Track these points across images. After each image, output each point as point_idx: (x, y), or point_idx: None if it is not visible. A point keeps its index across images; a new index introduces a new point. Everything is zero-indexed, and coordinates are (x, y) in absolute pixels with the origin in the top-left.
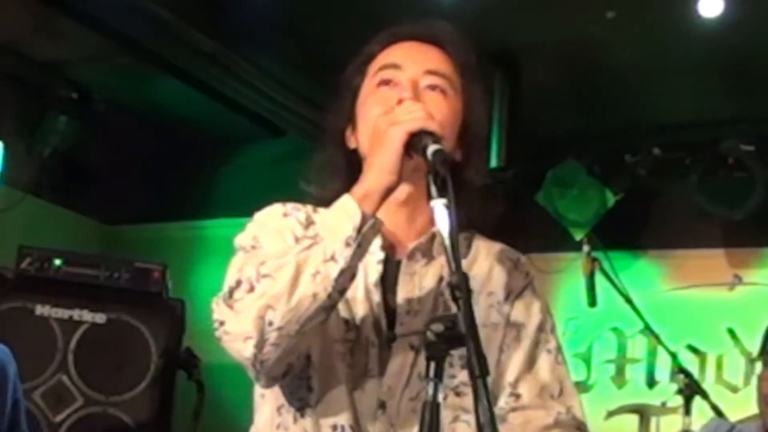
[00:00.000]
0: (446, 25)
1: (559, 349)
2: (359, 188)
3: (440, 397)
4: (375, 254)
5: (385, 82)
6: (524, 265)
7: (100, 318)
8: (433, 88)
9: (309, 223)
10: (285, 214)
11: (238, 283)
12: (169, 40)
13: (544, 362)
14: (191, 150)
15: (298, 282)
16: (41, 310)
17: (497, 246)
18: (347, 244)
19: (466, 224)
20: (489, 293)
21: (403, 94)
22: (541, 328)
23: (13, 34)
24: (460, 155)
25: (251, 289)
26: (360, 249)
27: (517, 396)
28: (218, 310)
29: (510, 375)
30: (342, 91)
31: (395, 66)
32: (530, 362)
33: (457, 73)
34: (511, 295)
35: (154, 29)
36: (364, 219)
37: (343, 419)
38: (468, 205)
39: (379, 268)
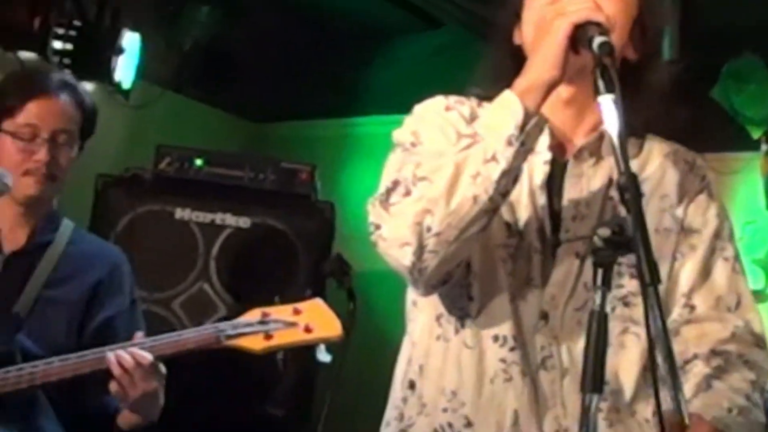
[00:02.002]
0: None
1: (736, 257)
2: (520, 82)
3: (608, 308)
4: (541, 154)
5: None
6: (701, 167)
7: (244, 222)
8: None
9: (473, 118)
10: (447, 108)
11: (395, 184)
12: None
13: (720, 271)
14: (342, 43)
15: (457, 185)
16: (181, 213)
17: (671, 147)
18: (509, 143)
19: (643, 127)
20: (662, 196)
21: None
22: (717, 235)
23: None
24: (634, 53)
25: (408, 193)
26: (523, 148)
27: (692, 308)
28: (374, 212)
29: (684, 285)
30: None
31: None
32: (705, 271)
33: None
34: (685, 198)
35: None
36: (527, 115)
37: (505, 330)
38: (645, 107)
39: (545, 168)
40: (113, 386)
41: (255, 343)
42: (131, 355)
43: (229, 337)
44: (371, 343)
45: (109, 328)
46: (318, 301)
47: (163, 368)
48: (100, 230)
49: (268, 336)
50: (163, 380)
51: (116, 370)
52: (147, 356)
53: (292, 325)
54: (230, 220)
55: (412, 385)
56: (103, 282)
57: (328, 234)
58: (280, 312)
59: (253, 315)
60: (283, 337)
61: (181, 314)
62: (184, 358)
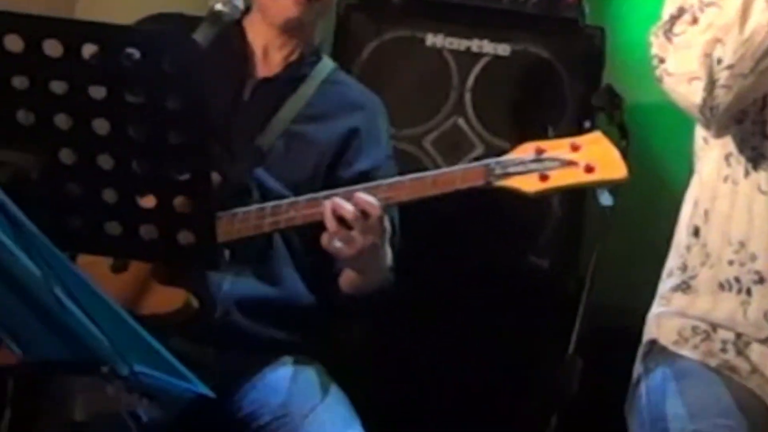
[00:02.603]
0: None
1: None
2: None
3: None
4: None
5: None
6: None
7: (503, 49)
8: None
9: None
10: None
11: (680, 11)
12: None
13: None
14: None
15: (749, 10)
16: (433, 40)
17: None
18: None
19: None
20: None
21: None
22: None
23: None
24: None
25: (694, 20)
26: None
27: None
28: (657, 43)
29: None
30: None
31: None
32: None
33: None
34: None
35: None
36: None
37: None
38: None
39: None
40: (324, 239)
41: (529, 185)
42: (355, 203)
43: (500, 176)
44: (646, 185)
45: (365, 181)
46: (599, 135)
47: (387, 224)
48: (342, 60)
49: (543, 176)
50: (386, 236)
51: (330, 224)
52: (376, 205)
53: (571, 164)
54: (488, 47)
55: (696, 232)
56: (359, 131)
57: (598, 62)
58: (557, 147)
59: (525, 151)
60: (560, 178)
61: (433, 152)
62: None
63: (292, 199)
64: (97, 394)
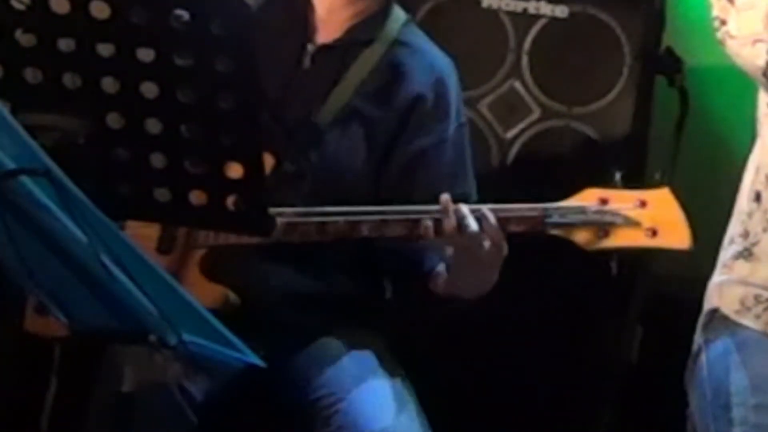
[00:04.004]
0: None
1: None
2: None
3: None
4: None
5: None
6: None
7: (561, 11)
8: None
9: None
10: None
11: None
12: None
13: None
14: None
15: None
16: (489, 1)
17: None
18: None
19: None
20: None
21: None
22: None
23: None
24: None
25: None
26: None
27: None
28: (718, 4)
29: None
30: None
31: None
32: None
33: None
34: None
35: None
36: None
37: None
38: None
39: None
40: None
41: (586, 240)
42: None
43: (556, 225)
44: (706, 150)
45: (423, 160)
46: (667, 194)
47: (505, 248)
48: None
49: (603, 232)
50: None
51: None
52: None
53: (635, 224)
54: (545, 8)
55: (757, 197)
56: (423, 100)
57: (658, 25)
58: (622, 201)
59: (589, 198)
60: (620, 238)
61: (489, 116)
62: None
63: (347, 209)
64: (146, 365)
